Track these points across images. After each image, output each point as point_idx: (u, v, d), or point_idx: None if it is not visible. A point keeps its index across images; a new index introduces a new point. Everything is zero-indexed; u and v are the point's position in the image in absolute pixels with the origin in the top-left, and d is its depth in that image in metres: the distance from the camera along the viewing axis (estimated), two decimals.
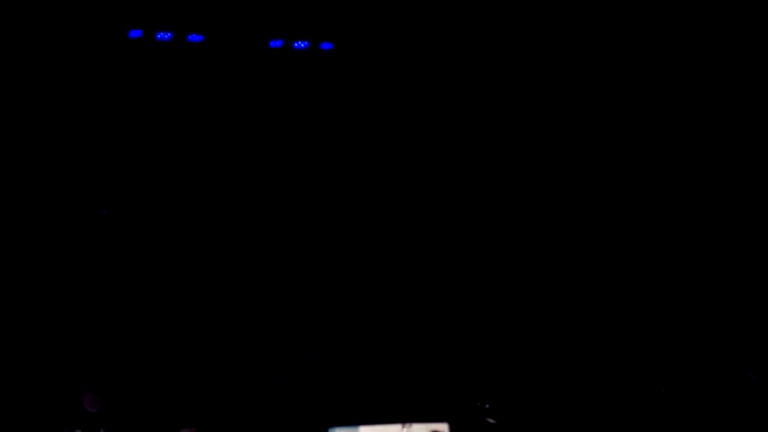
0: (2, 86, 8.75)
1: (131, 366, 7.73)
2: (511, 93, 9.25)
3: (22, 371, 7.36)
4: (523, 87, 9.20)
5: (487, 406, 6.27)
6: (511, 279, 8.83)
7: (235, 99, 9.76)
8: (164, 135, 9.35)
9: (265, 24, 9.85)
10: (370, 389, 7.49)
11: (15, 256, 8.38)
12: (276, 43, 10.11)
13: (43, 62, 9.10)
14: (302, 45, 10.20)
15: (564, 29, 8.94)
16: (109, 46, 9.49)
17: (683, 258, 8.33)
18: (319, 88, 9.63)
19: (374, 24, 9.60)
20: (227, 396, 7.11)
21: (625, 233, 8.70)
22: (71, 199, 8.90)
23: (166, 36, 9.92)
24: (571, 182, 9.07)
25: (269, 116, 9.75)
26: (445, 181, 9.33)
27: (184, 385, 7.31)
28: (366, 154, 9.46)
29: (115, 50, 9.34)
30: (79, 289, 8.41)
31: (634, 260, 8.52)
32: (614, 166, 8.89)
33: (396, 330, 8.74)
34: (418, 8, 9.00)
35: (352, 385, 7.56)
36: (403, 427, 5.45)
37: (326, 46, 10.12)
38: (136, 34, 9.79)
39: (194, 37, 9.93)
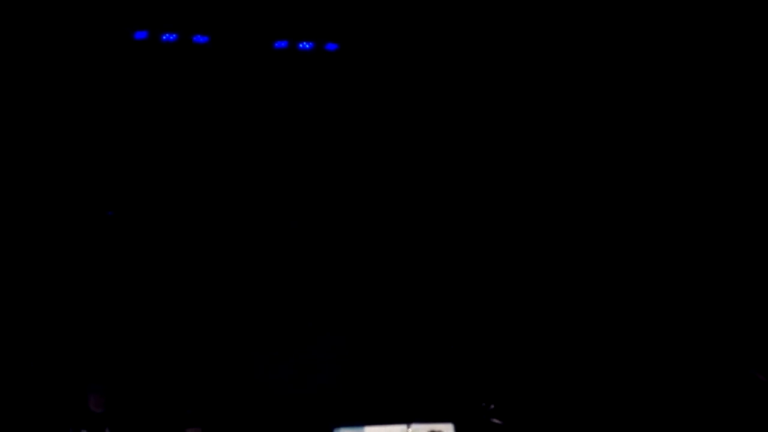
0: (8, 87, 8.78)
1: (136, 366, 7.74)
2: (516, 93, 9.24)
3: (28, 371, 7.37)
4: (527, 87, 9.19)
5: (492, 406, 6.25)
6: (516, 279, 8.82)
7: (239, 100, 9.77)
8: (169, 136, 9.36)
9: (270, 25, 9.87)
10: (374, 390, 7.49)
11: (21, 257, 8.40)
12: (281, 44, 10.13)
13: (49, 63, 9.13)
14: (307, 46, 10.22)
15: (567, 29, 8.94)
16: (114, 47, 9.52)
17: (689, 257, 8.31)
18: (324, 88, 9.64)
19: (379, 24, 9.61)
20: (232, 396, 7.11)
21: (630, 231, 8.68)
22: (76, 200, 8.92)
23: (171, 37, 9.94)
24: (576, 182, 9.06)
25: (274, 116, 9.76)
26: (451, 180, 9.33)
27: (188, 385, 7.32)
28: (370, 154, 9.46)
29: (121, 51, 9.37)
30: (84, 290, 8.42)
31: (640, 260, 8.50)
32: (617, 165, 8.88)
33: (401, 330, 8.73)
34: (422, 8, 9.01)
35: (357, 386, 7.55)
36: (408, 427, 5.45)
37: (331, 46, 10.14)
38: (141, 35, 9.82)
39: (199, 38, 9.96)
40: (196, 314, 8.37)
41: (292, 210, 9.33)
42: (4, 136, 8.73)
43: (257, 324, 8.88)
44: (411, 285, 9.01)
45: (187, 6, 9.30)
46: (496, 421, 6.18)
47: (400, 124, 9.49)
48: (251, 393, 7.26)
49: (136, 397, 6.96)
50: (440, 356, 8.17)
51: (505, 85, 9.26)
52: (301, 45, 10.13)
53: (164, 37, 9.94)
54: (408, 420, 5.44)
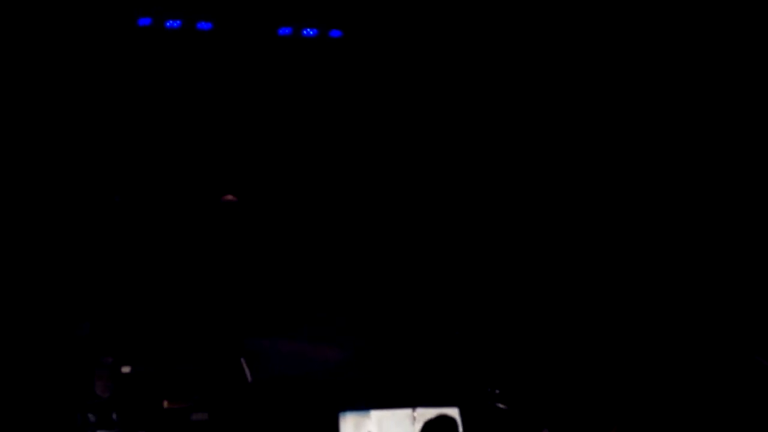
0: (12, 73, 8.78)
1: (143, 350, 7.78)
2: (523, 84, 9.24)
3: (34, 355, 7.41)
4: (532, 77, 9.19)
5: (498, 391, 6.29)
6: (523, 264, 8.84)
7: (243, 86, 9.77)
8: (173, 122, 9.37)
9: (274, 12, 9.85)
10: (380, 374, 7.52)
11: (28, 240, 8.43)
12: (285, 31, 10.12)
13: (53, 50, 9.12)
14: (311, 33, 10.21)
15: (574, 17, 8.93)
16: (118, 34, 9.51)
17: (692, 246, 8.33)
18: (328, 75, 9.63)
19: (383, 11, 9.59)
20: (238, 380, 7.15)
21: (632, 213, 8.71)
22: (82, 185, 8.94)
23: (175, 24, 9.94)
24: (584, 166, 9.06)
25: (278, 103, 9.76)
26: (457, 168, 9.34)
27: (195, 369, 7.35)
28: (375, 142, 9.47)
29: (124, 38, 9.36)
30: (92, 275, 8.45)
31: (642, 244, 8.53)
32: (618, 162, 8.90)
33: (407, 315, 8.76)
34: None
35: (363, 370, 7.59)
36: (413, 411, 5.48)
37: (335, 33, 10.13)
38: (145, 21, 9.81)
39: (203, 25, 9.95)
40: (203, 299, 8.41)
41: (298, 196, 9.35)
42: (8, 122, 8.75)
43: (263, 311, 8.92)
44: (416, 270, 9.04)
45: None
46: (501, 405, 6.21)
47: (404, 111, 9.49)
48: (258, 378, 7.30)
49: (143, 382, 7.00)
50: (446, 341, 8.20)
51: (511, 75, 9.25)
52: (305, 32, 10.13)
53: (168, 24, 9.96)
54: (413, 404, 5.47)
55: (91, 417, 6.61)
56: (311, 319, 9.08)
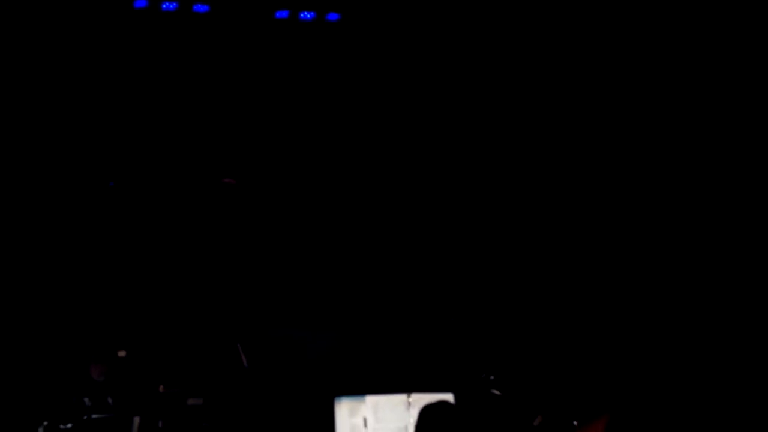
0: (4, 57, 8.72)
1: (139, 336, 7.78)
2: (524, 72, 9.19)
3: (30, 340, 7.41)
4: (536, 66, 9.14)
5: (492, 377, 6.30)
6: (518, 251, 8.84)
7: (239, 70, 9.72)
8: (169, 106, 9.33)
9: None
10: (375, 360, 7.54)
11: (24, 228, 8.40)
12: (281, 14, 10.06)
13: (47, 32, 9.05)
14: (308, 16, 10.15)
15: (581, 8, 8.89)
16: (114, 16, 9.45)
17: (692, 244, 8.34)
18: (325, 59, 9.58)
19: None
20: (232, 367, 7.16)
21: (629, 206, 8.70)
22: (76, 171, 8.90)
23: (171, 6, 9.87)
24: (582, 162, 9.06)
25: (274, 87, 9.71)
26: (454, 158, 9.31)
27: (190, 355, 7.36)
28: (373, 131, 9.44)
29: (120, 20, 9.30)
30: (87, 261, 8.43)
31: (640, 235, 8.53)
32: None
33: (401, 301, 8.77)
34: None
35: (358, 356, 7.61)
36: (408, 397, 5.49)
37: (332, 17, 10.06)
38: (141, 3, 9.75)
39: (199, 7, 9.88)
40: (199, 283, 8.40)
41: (294, 182, 9.32)
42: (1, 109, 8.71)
43: (259, 292, 8.91)
44: (413, 255, 9.04)
45: None
46: (495, 392, 6.23)
47: (403, 97, 9.45)
48: (251, 364, 7.31)
49: (139, 367, 7.00)
50: (440, 327, 8.22)
51: (512, 64, 9.20)
52: (302, 15, 10.07)
53: (164, 6, 9.89)
54: (408, 390, 5.48)
55: (86, 401, 6.61)
56: (306, 303, 9.09)
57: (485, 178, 9.29)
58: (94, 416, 6.46)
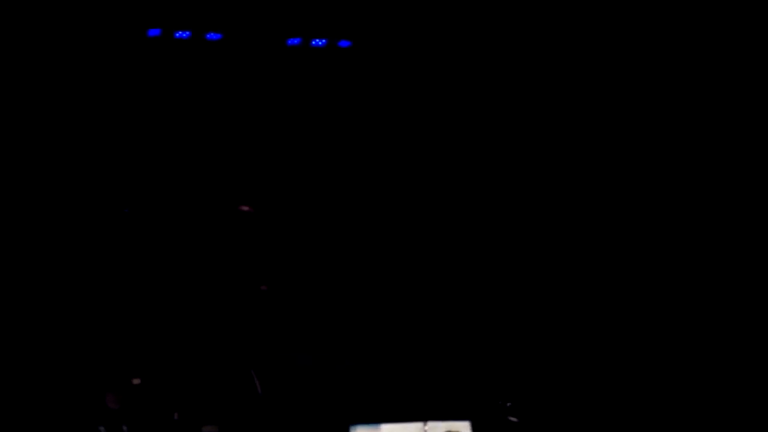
0: (22, 85, 8.80)
1: (153, 364, 7.76)
2: (530, 91, 9.20)
3: (45, 367, 7.40)
4: (540, 85, 9.15)
5: (509, 404, 6.24)
6: (533, 276, 8.79)
7: (252, 96, 9.76)
8: (183, 133, 9.37)
9: (283, 22, 9.85)
10: (391, 387, 7.49)
11: (37, 255, 8.42)
12: (294, 41, 10.12)
13: (62, 60, 9.13)
14: (320, 43, 10.21)
15: (582, 26, 8.90)
16: (127, 45, 9.52)
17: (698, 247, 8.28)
18: (337, 86, 9.62)
19: (393, 21, 9.58)
20: (248, 394, 7.13)
21: (644, 226, 8.66)
22: (91, 197, 8.93)
23: (184, 34, 9.94)
24: (591, 169, 9.02)
25: (287, 112, 9.75)
26: (465, 175, 9.30)
27: (205, 382, 7.34)
28: (382, 153, 9.44)
29: (134, 48, 9.37)
30: (101, 286, 8.44)
31: (652, 257, 8.47)
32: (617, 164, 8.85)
33: (417, 327, 8.72)
34: (437, 6, 8.98)
35: (374, 383, 7.56)
36: (424, 425, 5.45)
37: (344, 44, 10.12)
38: (154, 32, 9.82)
39: (212, 36, 9.95)
40: (212, 308, 8.38)
41: (308, 204, 9.32)
42: (18, 133, 8.76)
43: (273, 319, 8.88)
44: (426, 280, 9.00)
45: (201, 3, 9.30)
46: (512, 419, 6.17)
47: (413, 121, 9.47)
48: (267, 391, 7.28)
49: (154, 395, 6.99)
50: (457, 354, 8.16)
51: (519, 84, 9.22)
52: (314, 42, 10.13)
53: (177, 35, 9.96)
54: (424, 418, 5.44)
55: (102, 429, 6.59)
56: (321, 331, 9.05)
57: (499, 201, 9.28)
58: None
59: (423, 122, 9.42)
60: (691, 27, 8.51)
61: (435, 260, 9.10)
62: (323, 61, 9.51)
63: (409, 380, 7.64)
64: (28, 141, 8.66)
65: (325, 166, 9.45)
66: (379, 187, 9.35)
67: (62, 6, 8.68)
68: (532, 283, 8.67)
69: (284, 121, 9.49)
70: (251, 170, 9.41)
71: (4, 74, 8.61)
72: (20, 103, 8.66)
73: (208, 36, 9.58)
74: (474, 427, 5.38)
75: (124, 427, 6.50)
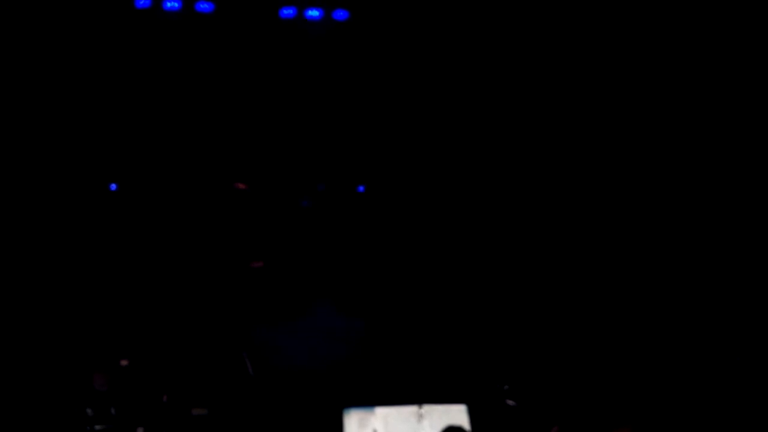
0: (8, 57, 8.61)
1: (141, 345, 7.64)
2: (528, 70, 9.05)
3: (34, 350, 7.29)
4: (536, 64, 9.00)
5: (506, 387, 6.11)
6: (531, 259, 8.68)
7: (244, 71, 9.57)
8: (172, 107, 9.19)
9: None
10: (386, 370, 7.37)
11: (26, 235, 8.29)
12: (287, 13, 9.88)
13: (50, 32, 8.92)
14: (315, 14, 9.96)
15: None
16: (115, 16, 9.30)
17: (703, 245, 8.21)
18: (332, 58, 9.42)
19: None
20: (240, 376, 7.00)
21: (641, 208, 8.57)
22: (78, 175, 8.78)
23: (174, 5, 9.70)
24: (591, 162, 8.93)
25: (279, 88, 9.55)
26: (463, 159, 9.17)
27: (195, 364, 7.21)
28: (379, 128, 9.28)
29: (122, 20, 9.15)
30: (89, 268, 8.31)
31: (649, 240, 8.39)
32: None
33: (413, 310, 8.61)
34: None
35: (369, 366, 7.44)
36: (420, 408, 5.30)
37: (340, 15, 9.88)
38: (143, 3, 9.58)
39: (203, 6, 9.71)
40: (205, 291, 8.25)
41: (303, 186, 9.19)
42: (2, 107, 8.60)
43: (269, 305, 8.76)
44: (424, 264, 8.88)
45: None
46: (510, 402, 6.04)
47: (409, 96, 9.30)
48: (261, 373, 7.15)
49: (142, 377, 6.85)
50: (453, 337, 8.05)
51: (516, 61, 9.06)
52: (308, 13, 9.88)
53: (167, 5, 9.72)
54: (420, 401, 5.30)
55: (89, 411, 6.46)
56: (316, 312, 8.93)
57: (497, 186, 9.16)
58: (96, 427, 6.31)
59: (419, 97, 9.25)
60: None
61: (431, 245, 8.98)
62: (318, 34, 9.32)
63: (405, 363, 7.52)
64: (12, 116, 8.49)
65: (320, 140, 9.29)
66: (373, 163, 9.20)
67: None
68: (528, 270, 8.57)
69: (276, 95, 9.30)
70: (242, 147, 9.25)
71: None
72: (4, 78, 8.48)
73: (198, 6, 9.36)
74: (470, 411, 5.22)
75: (112, 409, 6.37)
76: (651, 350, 7.47)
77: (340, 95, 9.29)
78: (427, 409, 5.30)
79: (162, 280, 8.42)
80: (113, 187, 8.95)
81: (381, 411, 5.29)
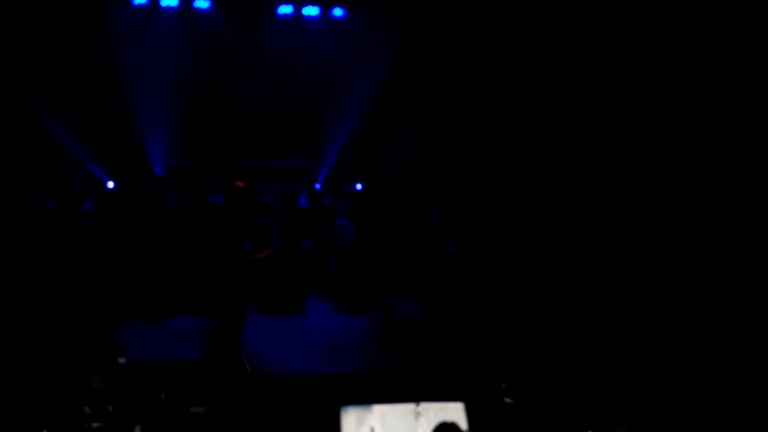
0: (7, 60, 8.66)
1: (140, 343, 7.65)
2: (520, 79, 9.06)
3: (31, 347, 7.29)
4: (535, 67, 9.01)
5: (504, 385, 6.11)
6: (529, 256, 8.68)
7: (241, 66, 9.58)
8: (172, 102, 9.22)
9: None
10: (384, 368, 7.38)
11: (24, 236, 8.32)
12: (285, 10, 9.86)
13: (47, 26, 8.95)
14: (313, 12, 9.94)
15: None
16: (114, 12, 9.31)
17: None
18: (330, 55, 9.43)
19: None
20: (237, 374, 7.00)
21: (628, 206, 8.58)
22: (77, 175, 8.81)
23: (172, 2, 9.70)
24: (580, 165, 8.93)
25: (277, 84, 9.57)
26: (457, 156, 9.19)
27: (192, 362, 7.21)
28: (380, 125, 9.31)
29: (121, 16, 9.17)
30: (86, 267, 8.31)
31: (651, 242, 8.39)
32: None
33: (411, 308, 8.61)
34: None
35: (366, 364, 7.45)
36: (417, 406, 5.31)
37: (338, 12, 9.86)
38: (141, 1, 9.58)
39: (201, 2, 9.71)
40: (199, 288, 8.26)
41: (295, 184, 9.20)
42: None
43: (264, 303, 8.75)
44: (423, 262, 8.88)
45: None
46: (507, 400, 6.04)
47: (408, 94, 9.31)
48: (258, 371, 7.15)
49: (139, 375, 6.85)
50: (450, 334, 8.05)
51: (519, 65, 9.07)
52: (306, 11, 9.87)
53: (164, 3, 9.71)
54: (417, 398, 5.30)
55: (87, 409, 6.45)
56: (313, 310, 8.92)
57: (488, 184, 9.17)
58: (94, 425, 6.30)
59: (419, 95, 9.28)
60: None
61: (427, 241, 8.97)
62: (316, 31, 9.34)
63: (402, 361, 7.52)
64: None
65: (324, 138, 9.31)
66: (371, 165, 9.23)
67: None
68: (523, 267, 8.58)
69: (274, 92, 9.33)
70: (246, 141, 9.27)
71: None
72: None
73: (195, 3, 9.36)
74: (468, 409, 5.22)
75: (110, 407, 6.36)
76: (649, 350, 7.48)
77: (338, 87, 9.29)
78: (425, 406, 5.31)
79: (162, 278, 8.44)
80: (111, 185, 8.96)
81: (378, 409, 5.30)
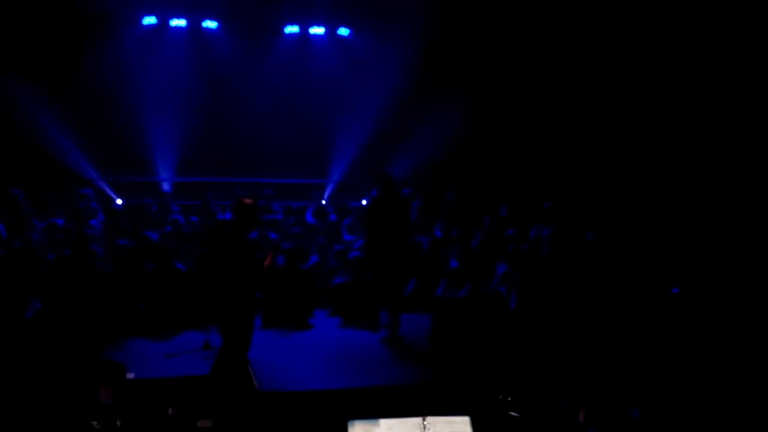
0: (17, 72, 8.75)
1: (148, 358, 7.67)
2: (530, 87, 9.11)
3: (38, 362, 7.31)
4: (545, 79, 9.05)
5: (510, 399, 6.12)
6: (532, 268, 8.69)
7: (249, 84, 9.65)
8: (180, 119, 9.29)
9: (281, 10, 9.75)
10: (390, 382, 7.39)
11: (32, 251, 8.36)
12: (292, 30, 9.98)
13: (59, 47, 9.04)
14: (319, 31, 10.06)
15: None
16: (124, 32, 9.42)
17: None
18: (337, 73, 9.52)
19: (391, 8, 9.47)
20: (244, 388, 7.02)
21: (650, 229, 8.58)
22: (78, 173, 8.89)
23: (180, 23, 9.82)
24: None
25: (283, 101, 9.65)
26: (462, 174, 9.23)
27: (200, 378, 7.23)
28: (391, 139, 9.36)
29: (131, 36, 9.29)
30: (94, 280, 8.35)
31: (659, 256, 8.38)
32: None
33: (416, 322, 8.61)
34: None
35: (372, 378, 7.46)
36: (423, 420, 5.33)
37: (343, 31, 9.97)
38: (150, 21, 9.71)
39: (209, 24, 9.83)
40: (205, 304, 8.28)
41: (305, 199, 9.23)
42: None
43: (272, 318, 8.77)
44: (425, 274, 8.89)
45: None
46: (513, 413, 6.05)
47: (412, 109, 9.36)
48: (265, 386, 7.17)
49: (148, 390, 6.88)
50: (456, 348, 8.05)
51: (519, 75, 9.12)
52: (312, 30, 9.98)
53: (173, 23, 9.84)
54: (423, 413, 5.32)
55: (95, 424, 6.48)
56: (320, 325, 8.94)
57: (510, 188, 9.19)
58: None
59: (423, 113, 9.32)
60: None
61: (431, 251, 8.98)
62: (322, 49, 9.43)
63: (409, 375, 7.53)
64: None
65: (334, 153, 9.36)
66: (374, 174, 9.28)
67: None
68: (531, 277, 8.58)
69: (280, 108, 9.40)
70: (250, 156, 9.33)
71: None
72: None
73: (204, 24, 9.47)
74: (474, 423, 5.24)
75: (118, 422, 6.38)
76: (656, 365, 7.47)
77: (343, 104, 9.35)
78: (431, 420, 5.32)
79: (168, 291, 8.46)
80: (119, 204, 9.02)
81: (385, 423, 5.31)
